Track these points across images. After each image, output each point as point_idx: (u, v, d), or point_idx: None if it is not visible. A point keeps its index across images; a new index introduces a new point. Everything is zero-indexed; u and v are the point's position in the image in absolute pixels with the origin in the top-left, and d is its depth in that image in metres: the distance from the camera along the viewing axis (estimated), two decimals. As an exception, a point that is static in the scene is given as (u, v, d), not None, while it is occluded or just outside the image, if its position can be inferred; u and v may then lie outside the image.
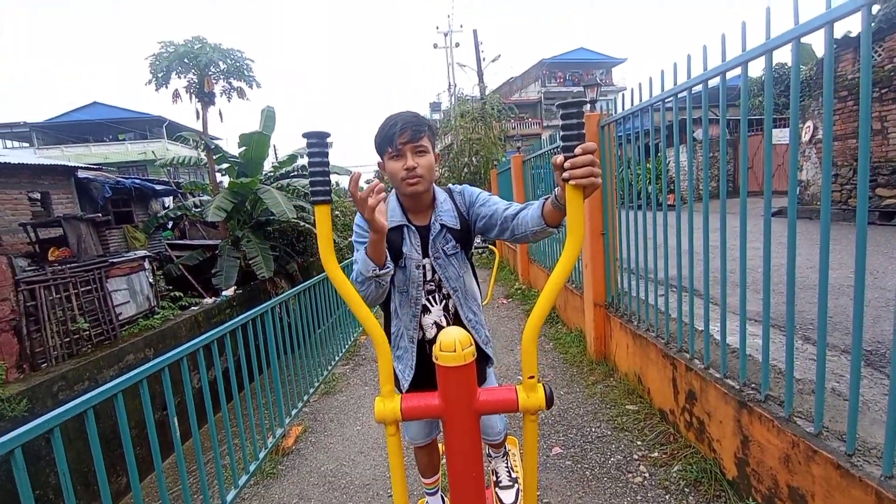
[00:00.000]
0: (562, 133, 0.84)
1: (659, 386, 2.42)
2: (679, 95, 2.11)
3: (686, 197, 2.20)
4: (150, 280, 7.42)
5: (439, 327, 1.34)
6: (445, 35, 17.75)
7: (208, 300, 8.17)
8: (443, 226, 1.30)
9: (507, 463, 1.75)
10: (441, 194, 1.35)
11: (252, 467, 2.48)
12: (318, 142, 0.90)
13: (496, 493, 1.67)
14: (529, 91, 29.42)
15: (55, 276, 5.67)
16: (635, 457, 2.21)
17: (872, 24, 1.19)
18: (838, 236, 1.37)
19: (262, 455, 2.59)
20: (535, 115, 27.81)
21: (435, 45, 17.95)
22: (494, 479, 1.73)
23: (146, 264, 7.39)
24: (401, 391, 1.38)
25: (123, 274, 6.84)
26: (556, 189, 1.01)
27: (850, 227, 1.46)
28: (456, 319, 1.36)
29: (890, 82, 6.25)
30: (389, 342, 1.38)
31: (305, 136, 0.88)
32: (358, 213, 1.31)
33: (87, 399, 1.47)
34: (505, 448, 1.77)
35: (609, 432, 2.45)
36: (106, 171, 11.59)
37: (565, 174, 0.83)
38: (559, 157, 0.84)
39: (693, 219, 2.11)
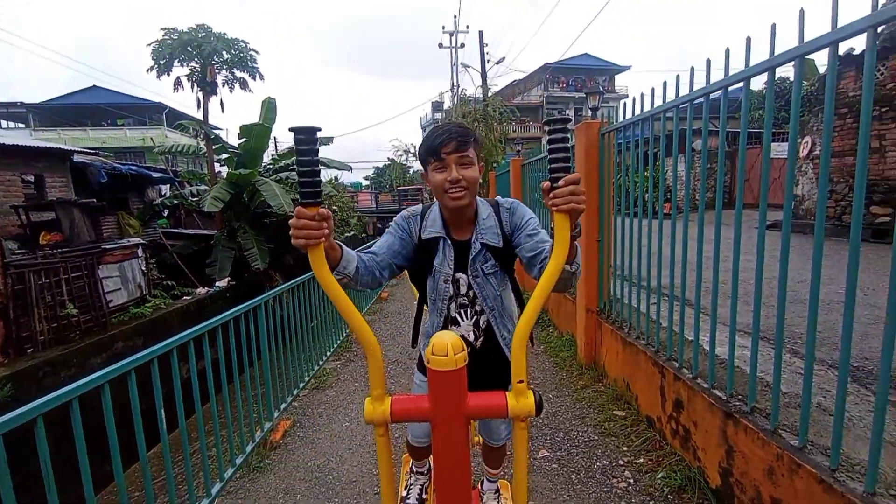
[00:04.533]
0: (549, 157, 0.89)
1: (647, 393, 2.43)
2: (680, 107, 2.12)
3: (682, 206, 2.21)
4: (143, 268, 7.36)
5: (466, 341, 1.31)
6: (451, 35, 17.75)
7: (202, 290, 8.12)
8: (483, 245, 1.26)
9: (498, 502, 1.68)
10: (485, 209, 1.30)
11: (238, 460, 2.46)
12: (306, 138, 0.82)
13: None
14: (532, 95, 29.48)
15: (45, 261, 5.62)
16: (621, 462, 2.22)
17: (877, 43, 1.20)
18: (830, 252, 1.38)
19: (248, 448, 2.57)
20: (537, 119, 27.88)
21: (440, 45, 17.96)
22: None
23: (140, 252, 7.34)
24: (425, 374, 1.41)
25: (116, 261, 6.79)
26: (551, 225, 1.01)
27: (843, 244, 1.48)
28: (487, 335, 1.34)
29: (891, 101, 6.31)
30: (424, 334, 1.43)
31: (293, 130, 0.82)
32: (400, 214, 1.36)
33: (72, 389, 1.45)
34: (498, 486, 1.71)
35: (596, 437, 2.46)
36: (103, 156, 11.48)
37: (549, 202, 0.90)
38: (546, 184, 0.91)
39: (688, 228, 2.12)
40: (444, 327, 1.35)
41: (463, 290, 1.31)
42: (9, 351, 4.99)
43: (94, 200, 8.44)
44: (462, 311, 1.33)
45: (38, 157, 8.96)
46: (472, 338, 1.33)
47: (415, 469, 1.77)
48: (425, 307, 1.45)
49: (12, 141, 8.59)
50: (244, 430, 2.62)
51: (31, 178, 9.02)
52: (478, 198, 1.28)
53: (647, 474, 2.10)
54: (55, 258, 5.74)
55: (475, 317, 1.33)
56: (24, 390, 4.67)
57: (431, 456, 1.10)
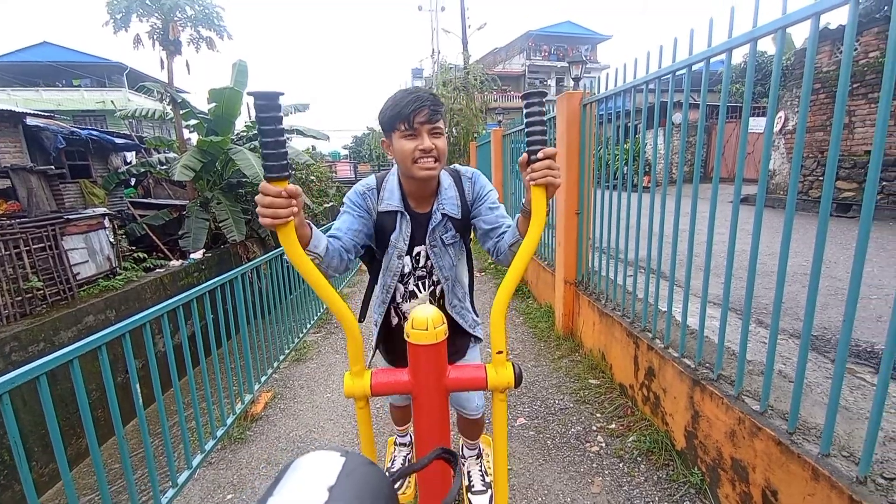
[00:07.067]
0: (527, 130, 0.90)
1: (621, 362, 2.52)
2: (662, 79, 2.10)
3: (661, 180, 2.23)
4: (111, 239, 7.06)
5: None
6: (431, -4, 16.95)
7: (175, 262, 7.88)
8: (444, 215, 1.24)
9: (481, 466, 1.73)
10: (446, 179, 1.27)
11: (219, 432, 2.46)
12: (268, 104, 0.74)
13: (468, 497, 1.65)
14: (514, 63, 28.87)
15: (3, 232, 5.32)
16: (594, 428, 2.33)
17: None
18: (796, 226, 1.43)
19: (229, 420, 2.57)
20: (518, 89, 27.42)
21: (420, 8, 17.17)
22: (467, 482, 1.70)
23: (106, 222, 7.01)
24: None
25: (81, 232, 6.47)
26: (523, 200, 1.05)
27: (808, 218, 1.52)
28: (441, 304, 1.34)
29: (862, 77, 6.44)
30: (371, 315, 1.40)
31: (252, 95, 0.74)
32: (354, 189, 1.26)
33: (38, 365, 1.39)
34: (479, 448, 1.77)
35: (571, 404, 2.56)
36: (59, 119, 10.74)
37: (526, 176, 0.91)
38: (524, 157, 0.92)
39: (666, 201, 2.16)
40: (390, 305, 1.33)
41: (421, 261, 1.29)
42: (-31, 326, 4.77)
43: (53, 167, 7.97)
44: (420, 283, 1.31)
45: (-13, 120, 8.31)
46: None
47: (398, 441, 1.85)
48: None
49: (-44, 101, 7.92)
50: (224, 402, 2.61)
51: (-20, 142, 8.39)
52: None
53: (618, 439, 2.21)
54: (14, 229, 5.43)
55: (432, 287, 1.32)
56: (-11, 366, 4.51)
57: (412, 425, 1.13)
